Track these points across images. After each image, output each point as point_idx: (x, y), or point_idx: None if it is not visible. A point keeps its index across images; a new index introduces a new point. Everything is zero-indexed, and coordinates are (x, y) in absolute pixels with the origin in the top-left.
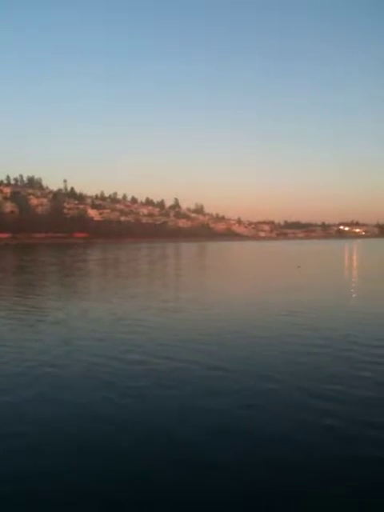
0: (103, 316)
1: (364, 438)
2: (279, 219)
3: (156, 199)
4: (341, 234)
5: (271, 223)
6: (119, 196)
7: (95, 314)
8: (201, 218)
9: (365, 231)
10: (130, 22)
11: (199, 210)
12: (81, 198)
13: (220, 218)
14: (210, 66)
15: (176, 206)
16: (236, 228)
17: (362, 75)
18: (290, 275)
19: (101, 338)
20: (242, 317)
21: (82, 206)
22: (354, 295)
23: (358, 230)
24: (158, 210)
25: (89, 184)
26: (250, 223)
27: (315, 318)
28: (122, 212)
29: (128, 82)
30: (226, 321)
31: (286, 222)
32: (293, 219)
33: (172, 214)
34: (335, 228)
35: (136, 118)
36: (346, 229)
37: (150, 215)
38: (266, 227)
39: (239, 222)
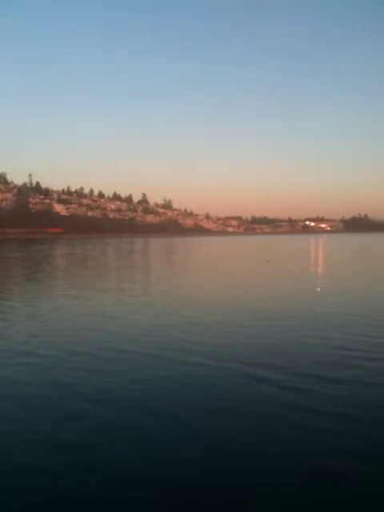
0: (72, 310)
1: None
2: (247, 215)
3: (124, 194)
4: (307, 230)
5: (239, 219)
6: (86, 191)
7: (64, 309)
8: (169, 213)
9: (330, 226)
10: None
11: (167, 206)
12: (46, 192)
13: (188, 214)
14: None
15: (144, 201)
16: (204, 223)
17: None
18: (259, 270)
19: (71, 330)
20: (217, 310)
21: (47, 201)
22: (321, 291)
23: (323, 226)
24: (125, 204)
25: (55, 178)
26: (219, 219)
27: (284, 310)
28: (88, 207)
29: (103, 79)
30: (200, 314)
31: (253, 218)
32: (260, 215)
33: (140, 209)
34: (301, 223)
35: (103, 114)
36: (312, 224)
37: (118, 210)
38: (234, 223)
39: (207, 217)
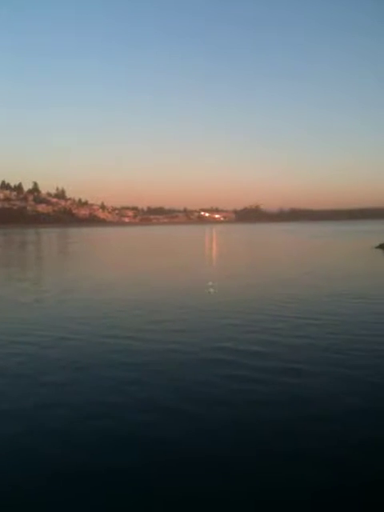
0: None
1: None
2: (143, 205)
3: (13, 183)
4: (202, 220)
5: (135, 209)
6: None
7: None
8: (62, 203)
9: (223, 217)
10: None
11: (60, 195)
12: None
13: (83, 204)
14: None
15: (35, 190)
16: (100, 214)
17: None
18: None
19: None
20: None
21: None
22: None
23: (217, 216)
24: (15, 194)
25: None
26: (114, 209)
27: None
28: None
29: None
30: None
31: (149, 208)
32: (156, 205)
33: (31, 198)
34: (197, 214)
35: None
36: (207, 215)
37: (7, 200)
38: (130, 213)
39: (103, 207)
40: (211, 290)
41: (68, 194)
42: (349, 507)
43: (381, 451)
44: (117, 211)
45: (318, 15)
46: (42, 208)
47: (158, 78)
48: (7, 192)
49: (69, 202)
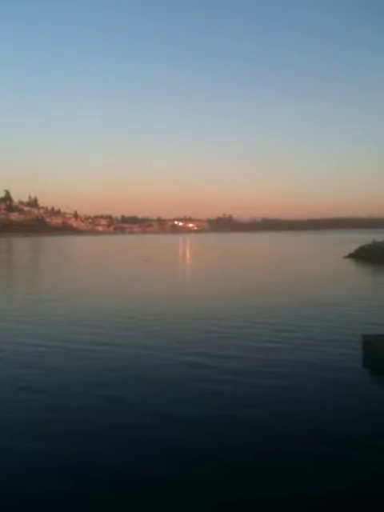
0: None
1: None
2: (116, 214)
3: None
4: (175, 229)
5: (109, 218)
6: None
7: None
8: (35, 211)
9: (197, 226)
10: None
11: (33, 204)
12: None
13: (56, 212)
14: None
15: (7, 198)
16: (73, 222)
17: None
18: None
19: None
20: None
21: None
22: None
23: (190, 225)
24: None
25: None
26: (87, 217)
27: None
28: None
29: None
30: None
31: (123, 217)
32: (129, 214)
33: (3, 207)
34: (170, 223)
35: None
36: (180, 224)
37: None
38: (104, 222)
39: (76, 216)
40: (185, 297)
41: (41, 203)
42: (329, 500)
43: (361, 446)
44: (90, 220)
45: (315, 25)
46: (14, 216)
47: (136, 86)
48: None
49: (41, 211)
